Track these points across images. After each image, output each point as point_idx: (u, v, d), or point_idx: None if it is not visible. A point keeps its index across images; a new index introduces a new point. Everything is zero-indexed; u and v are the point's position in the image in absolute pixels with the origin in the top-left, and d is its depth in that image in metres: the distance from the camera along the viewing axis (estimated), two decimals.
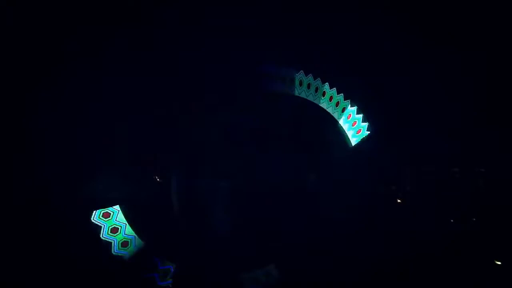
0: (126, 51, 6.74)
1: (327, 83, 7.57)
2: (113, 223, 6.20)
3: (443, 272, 7.10)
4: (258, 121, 7.22)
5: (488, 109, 7.55)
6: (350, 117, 7.59)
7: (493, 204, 7.47)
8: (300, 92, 7.47)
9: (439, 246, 7.27)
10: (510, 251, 7.13)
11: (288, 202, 7.12)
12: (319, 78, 7.54)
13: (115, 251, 6.06)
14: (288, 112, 7.41)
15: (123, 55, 6.72)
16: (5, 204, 5.93)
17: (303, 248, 6.97)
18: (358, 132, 7.57)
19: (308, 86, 7.52)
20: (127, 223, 6.26)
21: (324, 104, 7.59)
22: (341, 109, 7.64)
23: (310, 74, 7.51)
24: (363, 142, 7.69)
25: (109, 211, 6.21)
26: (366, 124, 7.45)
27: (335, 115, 7.62)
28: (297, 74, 7.47)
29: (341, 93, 7.54)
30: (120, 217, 6.26)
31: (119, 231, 6.20)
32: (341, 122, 7.64)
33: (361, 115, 7.49)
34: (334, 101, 7.57)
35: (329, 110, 7.61)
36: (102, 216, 6.16)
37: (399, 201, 7.63)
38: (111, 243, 6.03)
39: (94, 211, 6.11)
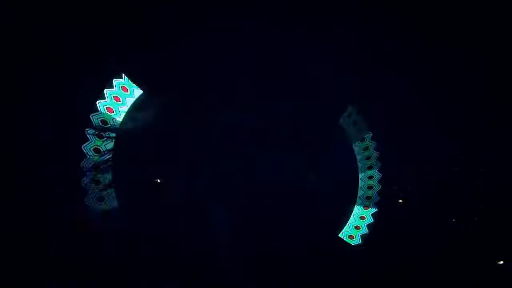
0: (126, 51, 6.76)
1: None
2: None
3: (443, 272, 7.10)
4: (258, 121, 7.22)
5: (488, 109, 7.56)
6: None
7: (493, 204, 7.48)
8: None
9: (440, 246, 7.28)
10: (510, 251, 7.14)
11: (288, 202, 7.12)
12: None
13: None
14: (288, 112, 7.42)
15: (123, 55, 6.73)
16: (5, 204, 5.93)
17: (303, 248, 6.98)
18: None
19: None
20: None
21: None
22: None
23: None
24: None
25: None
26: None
27: (359, 165, 7.84)
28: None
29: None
30: None
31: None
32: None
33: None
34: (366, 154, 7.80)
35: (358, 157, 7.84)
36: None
37: (400, 201, 7.64)
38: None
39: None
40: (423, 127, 7.60)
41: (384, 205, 7.54)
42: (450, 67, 7.40)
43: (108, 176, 6.58)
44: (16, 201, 5.98)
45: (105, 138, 6.57)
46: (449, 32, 7.31)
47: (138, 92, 6.90)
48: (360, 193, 7.70)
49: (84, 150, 6.38)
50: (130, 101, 6.84)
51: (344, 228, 7.53)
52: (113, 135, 6.64)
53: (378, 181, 7.63)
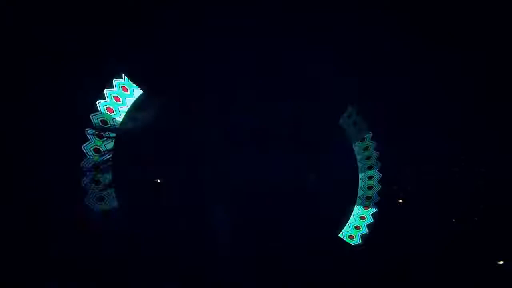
0: (126, 51, 6.76)
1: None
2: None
3: (443, 272, 7.10)
4: (258, 121, 7.22)
5: (488, 109, 7.56)
6: None
7: (493, 204, 7.48)
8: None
9: (440, 246, 7.28)
10: (510, 251, 7.14)
11: (288, 202, 7.12)
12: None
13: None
14: (288, 112, 7.42)
15: (123, 55, 6.73)
16: (5, 204, 5.93)
17: (303, 248, 6.98)
18: None
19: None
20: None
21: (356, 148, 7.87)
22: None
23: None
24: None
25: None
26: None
27: (359, 165, 7.84)
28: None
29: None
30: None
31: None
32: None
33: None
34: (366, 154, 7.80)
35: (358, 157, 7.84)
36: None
37: (400, 201, 7.64)
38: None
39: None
40: (423, 127, 7.60)
41: (384, 205, 7.54)
42: (450, 67, 7.41)
43: (108, 176, 6.58)
44: (16, 201, 5.98)
45: (105, 138, 6.57)
46: (449, 32, 7.31)
47: (138, 92, 6.90)
48: (360, 193, 7.71)
49: (84, 150, 6.39)
50: (130, 101, 6.85)
51: (344, 228, 7.53)
52: (113, 135, 6.65)
53: (378, 181, 7.63)
